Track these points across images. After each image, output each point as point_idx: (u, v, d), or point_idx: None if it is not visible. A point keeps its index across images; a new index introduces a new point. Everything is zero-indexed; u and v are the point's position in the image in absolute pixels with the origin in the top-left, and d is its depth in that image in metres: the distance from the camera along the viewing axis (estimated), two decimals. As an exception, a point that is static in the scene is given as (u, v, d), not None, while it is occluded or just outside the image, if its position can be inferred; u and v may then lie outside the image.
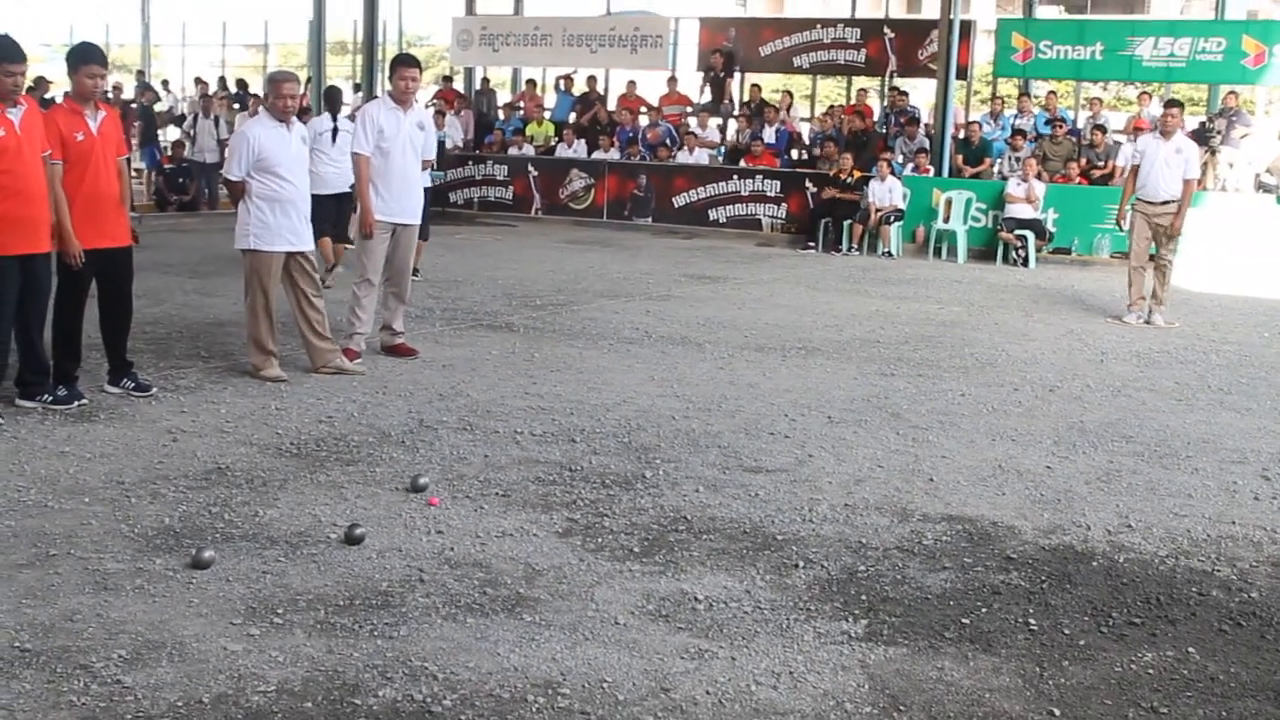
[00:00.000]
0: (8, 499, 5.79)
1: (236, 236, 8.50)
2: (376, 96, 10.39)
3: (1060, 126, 19.73)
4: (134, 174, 22.01)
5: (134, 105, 24.22)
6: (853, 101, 22.85)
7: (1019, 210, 17.64)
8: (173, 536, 5.40)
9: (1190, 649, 4.66)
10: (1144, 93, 21.42)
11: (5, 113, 7.05)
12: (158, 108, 26.74)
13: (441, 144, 21.96)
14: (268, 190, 8.34)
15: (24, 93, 7.31)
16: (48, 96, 23.80)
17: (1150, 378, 9.63)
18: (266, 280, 8.41)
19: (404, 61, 9.44)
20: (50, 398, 7.42)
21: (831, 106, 23.24)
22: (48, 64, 32.98)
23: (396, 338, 9.49)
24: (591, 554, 5.40)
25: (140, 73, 31.31)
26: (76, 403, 7.48)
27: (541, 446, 7.05)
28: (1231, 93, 19.70)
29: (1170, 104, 13.12)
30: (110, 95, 23.82)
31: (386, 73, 10.49)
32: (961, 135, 20.17)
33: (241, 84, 27.69)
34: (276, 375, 8.39)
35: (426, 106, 24.13)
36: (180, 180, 20.84)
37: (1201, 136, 18.93)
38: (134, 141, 22.50)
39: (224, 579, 4.94)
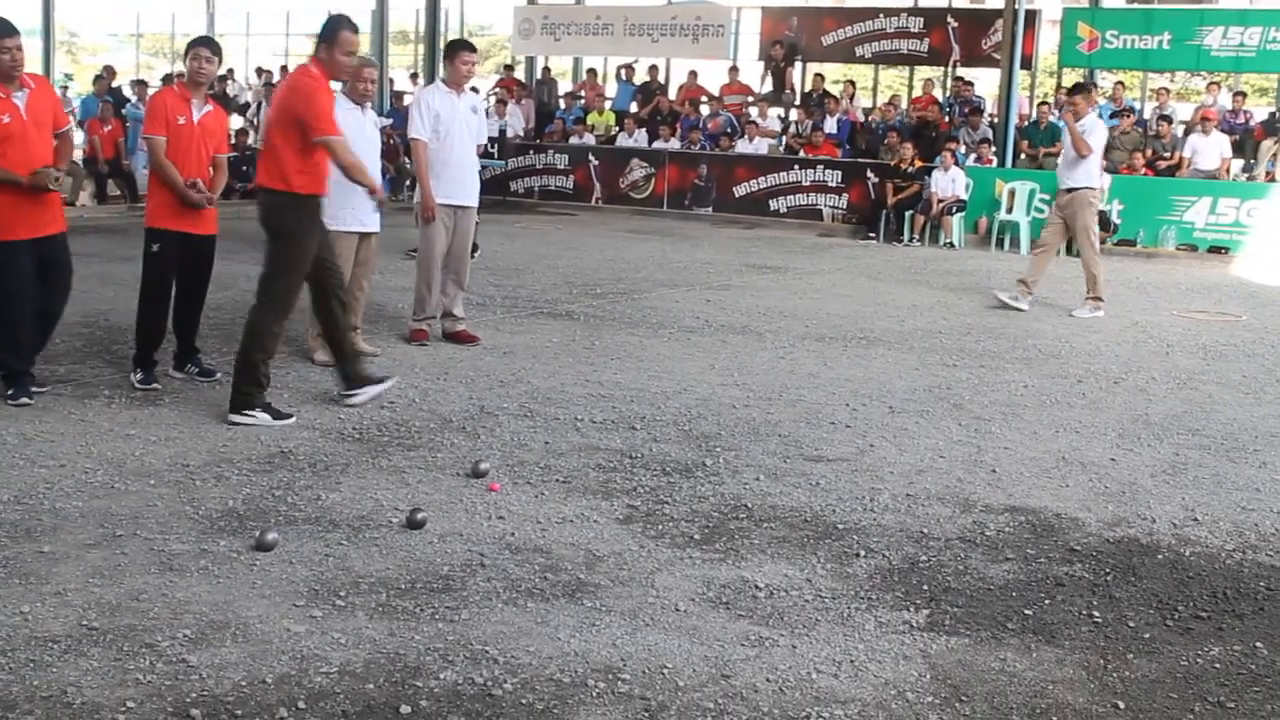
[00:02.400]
0: (76, 480, 5.87)
1: None
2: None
3: (1128, 117, 19.52)
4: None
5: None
6: (918, 93, 22.78)
7: (1083, 201, 17.45)
8: (236, 519, 5.46)
9: (1258, 644, 4.60)
10: (1213, 83, 21.16)
11: (11, 97, 7.02)
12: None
13: (503, 132, 22.11)
14: (336, 174, 8.39)
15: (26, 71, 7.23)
16: (115, 85, 24.18)
17: (1217, 370, 9.52)
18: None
19: (464, 46, 9.55)
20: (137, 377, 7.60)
21: (893, 97, 23.15)
22: (115, 54, 33.44)
23: (458, 324, 9.55)
24: (652, 541, 5.40)
25: None
26: (150, 386, 7.60)
27: (602, 433, 7.07)
28: (1303, 82, 19.47)
29: (1073, 89, 12.79)
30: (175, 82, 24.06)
31: (442, 58, 10.50)
32: (1028, 121, 20.05)
33: None
34: (324, 360, 8.40)
35: (489, 95, 24.31)
36: (244, 168, 21.02)
37: (1271, 127, 18.70)
38: None
39: (287, 561, 4.98)
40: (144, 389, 7.56)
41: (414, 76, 26.67)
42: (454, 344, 9.36)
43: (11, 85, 7.04)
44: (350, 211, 8.45)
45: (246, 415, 6.95)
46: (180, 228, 7.65)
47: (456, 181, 9.25)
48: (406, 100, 22.59)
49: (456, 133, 9.20)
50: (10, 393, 7.17)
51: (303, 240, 7.04)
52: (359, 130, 8.49)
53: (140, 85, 24.04)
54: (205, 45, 7.83)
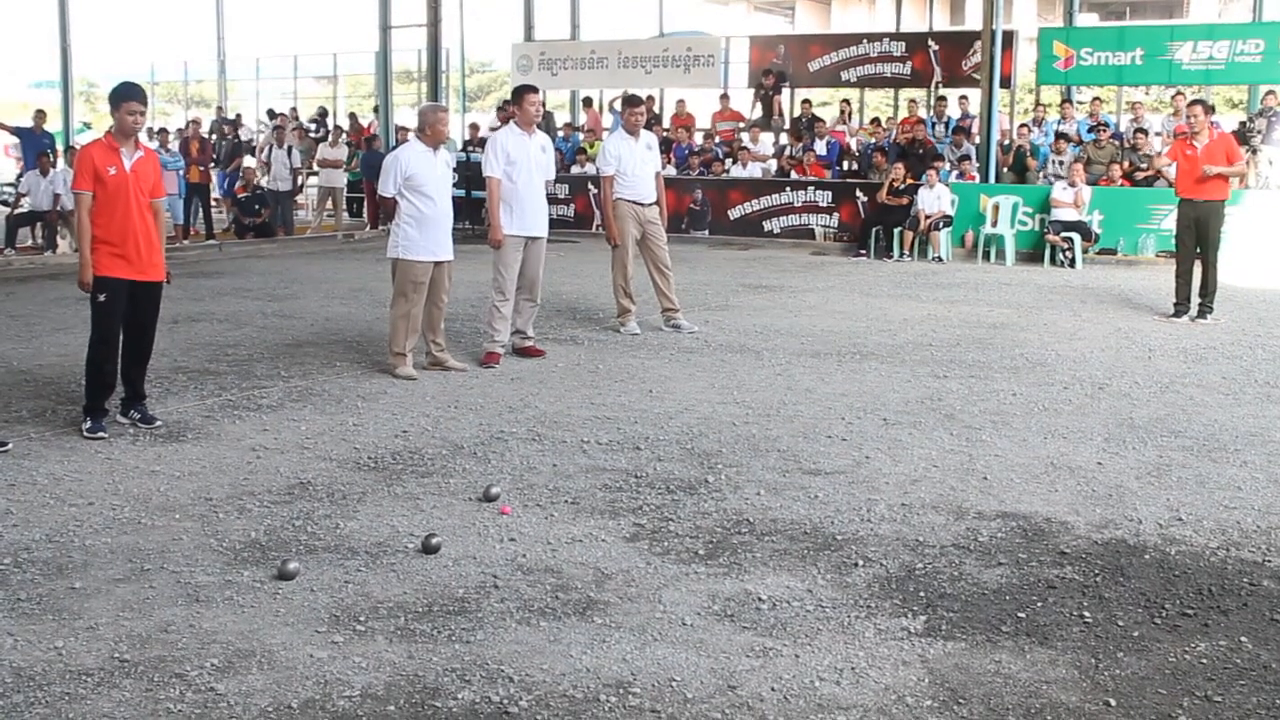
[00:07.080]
0: (105, 517, 5.99)
1: (388, 248, 9.36)
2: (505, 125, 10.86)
3: (1104, 131, 19.80)
4: (213, 202, 22.90)
5: (212, 136, 24.88)
6: (905, 114, 23.05)
7: (1064, 213, 17.70)
8: (259, 549, 5.56)
9: (1243, 638, 4.68)
10: (1178, 93, 21.41)
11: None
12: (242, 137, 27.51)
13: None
14: (414, 209, 9.16)
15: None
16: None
17: (1197, 373, 9.66)
18: (409, 285, 9.21)
19: (529, 89, 10.36)
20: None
21: (875, 119, 23.47)
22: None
23: (526, 340, 10.23)
24: (658, 557, 5.50)
25: (219, 108, 32.19)
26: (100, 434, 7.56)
27: (608, 455, 7.18)
28: (1270, 92, 19.60)
29: (629, 100, 12.50)
30: (189, 128, 24.54)
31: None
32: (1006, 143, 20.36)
33: (322, 111, 28.81)
34: (408, 374, 9.20)
35: (490, 129, 24.65)
36: (256, 206, 21.29)
37: (1243, 136, 18.93)
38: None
39: (308, 589, 5.08)
40: (91, 438, 7.47)
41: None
42: (524, 358, 10.02)
43: None
44: (422, 246, 9.19)
45: None
46: (125, 275, 7.57)
47: (528, 215, 10.00)
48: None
49: (526, 170, 9.93)
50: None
51: None
52: (430, 169, 9.19)
53: (163, 133, 24.53)
54: (136, 99, 7.67)
